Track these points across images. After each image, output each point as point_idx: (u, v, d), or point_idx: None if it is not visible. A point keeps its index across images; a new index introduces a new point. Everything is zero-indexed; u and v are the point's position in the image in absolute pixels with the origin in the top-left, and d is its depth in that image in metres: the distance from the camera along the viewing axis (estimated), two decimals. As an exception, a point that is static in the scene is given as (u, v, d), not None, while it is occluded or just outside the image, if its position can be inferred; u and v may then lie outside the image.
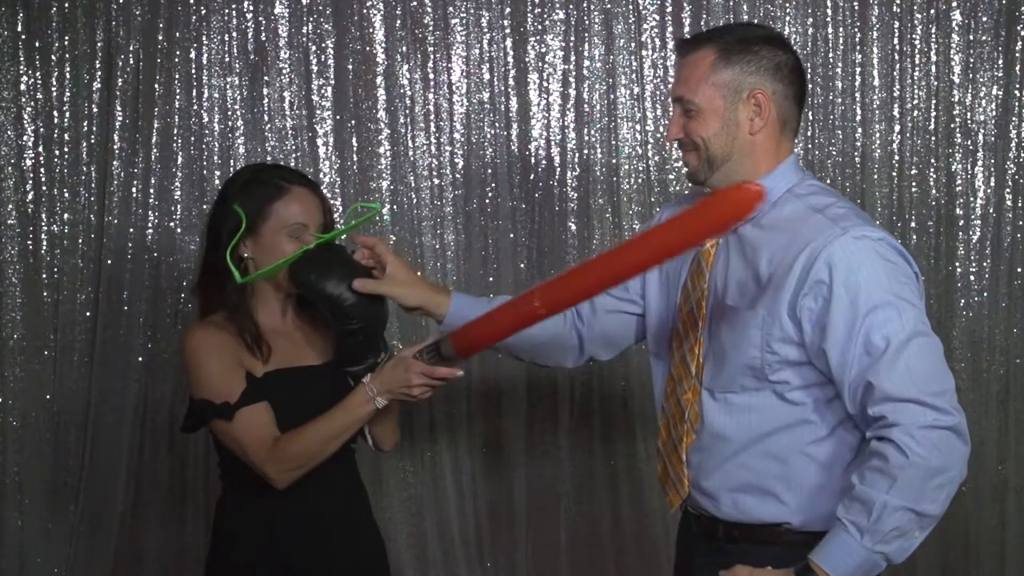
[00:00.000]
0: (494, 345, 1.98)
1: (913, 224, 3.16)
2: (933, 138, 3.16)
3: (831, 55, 3.12)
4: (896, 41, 3.13)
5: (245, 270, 2.05)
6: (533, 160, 3.10)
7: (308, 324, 2.15)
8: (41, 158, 2.98)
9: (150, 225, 3.00)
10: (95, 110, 2.98)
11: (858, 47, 3.13)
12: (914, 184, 3.17)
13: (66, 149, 2.99)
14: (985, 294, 3.18)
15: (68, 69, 2.98)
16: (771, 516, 1.81)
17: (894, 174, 3.16)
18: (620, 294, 2.08)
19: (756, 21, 3.04)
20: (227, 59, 3.01)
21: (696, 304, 1.87)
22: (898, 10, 3.13)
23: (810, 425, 1.78)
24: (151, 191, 2.99)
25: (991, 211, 3.17)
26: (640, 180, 3.11)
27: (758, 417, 1.80)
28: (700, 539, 1.91)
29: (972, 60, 3.15)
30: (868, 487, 1.64)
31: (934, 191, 3.17)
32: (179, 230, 3.00)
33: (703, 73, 1.81)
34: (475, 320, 1.91)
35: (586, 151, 3.10)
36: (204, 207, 2.95)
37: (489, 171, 3.08)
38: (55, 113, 2.98)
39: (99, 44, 2.97)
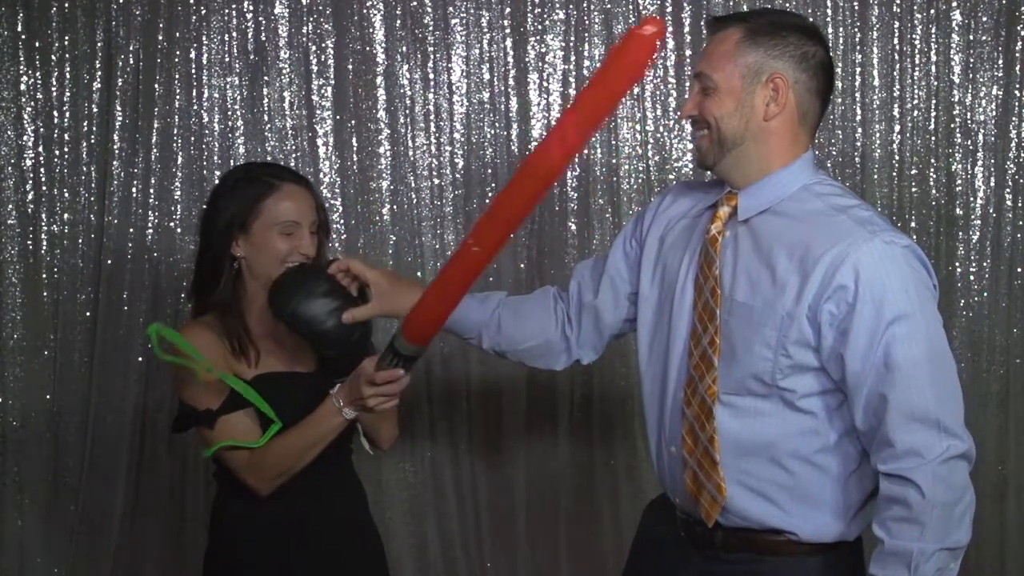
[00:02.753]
0: (446, 324, 1.88)
1: (913, 224, 3.16)
2: (933, 138, 3.16)
3: (831, 55, 3.11)
4: (896, 41, 3.13)
5: (237, 269, 2.05)
6: (533, 160, 3.09)
7: None
8: (41, 158, 2.98)
9: (150, 225, 3.00)
10: (95, 110, 2.98)
11: (858, 47, 3.13)
12: (914, 184, 3.16)
13: (66, 149, 2.99)
14: (985, 294, 3.18)
15: (68, 69, 2.97)
16: (774, 525, 1.76)
17: (894, 174, 3.15)
18: (615, 313, 2.05)
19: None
20: (227, 59, 3.01)
21: (711, 293, 1.78)
22: (898, 10, 3.12)
23: (818, 433, 1.73)
24: (151, 191, 2.99)
25: (991, 211, 3.17)
26: (640, 180, 3.11)
27: (764, 423, 1.74)
28: (690, 547, 1.84)
29: (972, 60, 3.15)
30: (899, 539, 1.62)
31: (934, 191, 3.16)
32: (179, 230, 3.00)
33: (726, 51, 1.76)
34: (419, 301, 1.81)
35: (586, 151, 3.09)
36: (204, 207, 2.95)
37: (489, 171, 3.08)
38: (55, 113, 2.98)
39: (99, 44, 2.97)
